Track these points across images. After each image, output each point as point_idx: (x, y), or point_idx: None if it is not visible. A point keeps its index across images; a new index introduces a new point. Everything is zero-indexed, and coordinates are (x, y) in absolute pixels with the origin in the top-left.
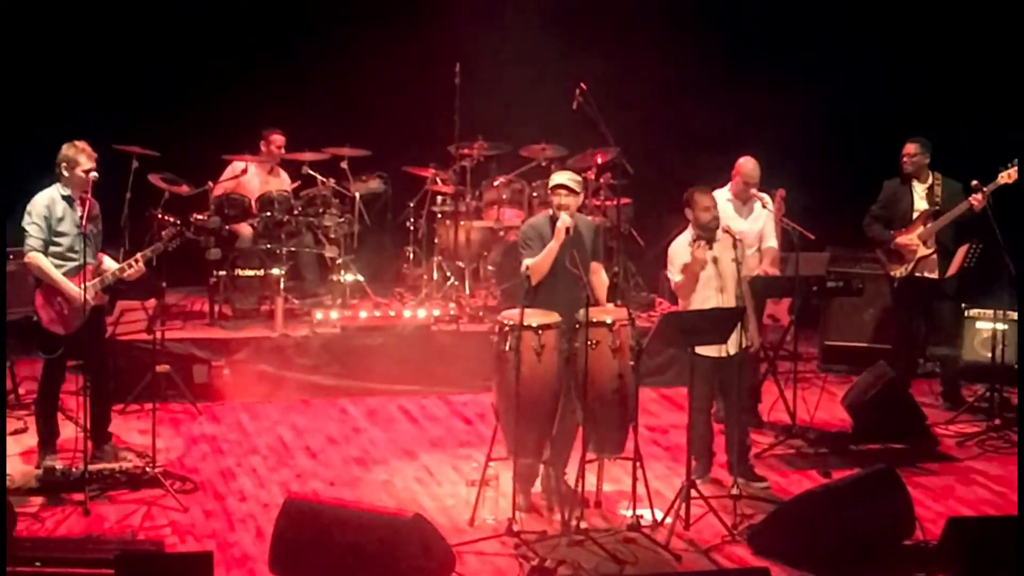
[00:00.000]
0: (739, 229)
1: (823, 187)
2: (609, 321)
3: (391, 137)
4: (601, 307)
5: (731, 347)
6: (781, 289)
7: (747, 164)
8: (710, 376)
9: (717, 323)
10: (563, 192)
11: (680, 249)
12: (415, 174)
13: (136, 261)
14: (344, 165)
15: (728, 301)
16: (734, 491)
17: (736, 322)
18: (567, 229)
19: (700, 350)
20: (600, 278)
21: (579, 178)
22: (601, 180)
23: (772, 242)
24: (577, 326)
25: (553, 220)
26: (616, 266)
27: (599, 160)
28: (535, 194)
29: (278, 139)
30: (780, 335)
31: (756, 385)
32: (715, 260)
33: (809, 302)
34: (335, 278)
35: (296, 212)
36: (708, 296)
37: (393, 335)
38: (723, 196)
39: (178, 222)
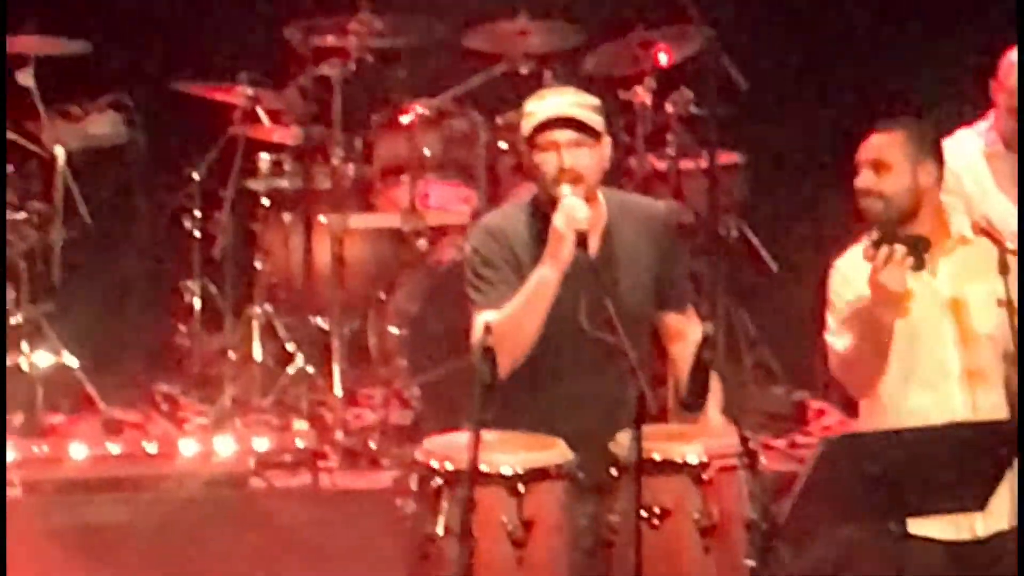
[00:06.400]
0: (1006, 218)
1: None
2: (695, 459)
3: (147, 13)
4: (676, 425)
5: (983, 521)
6: None
7: None
8: None
9: (964, 459)
10: (562, 137)
11: (849, 272)
12: (203, 98)
13: None
14: (25, 80)
15: (979, 402)
16: None
17: (1009, 459)
18: (580, 235)
19: (920, 527)
20: (684, 348)
21: (596, 102)
22: (669, 107)
23: None
24: (614, 470)
25: (541, 212)
26: (709, 320)
27: (662, 58)
28: (503, 144)
29: None
30: None
31: None
32: (938, 301)
33: None
34: (7, 361)
35: None
36: (921, 389)
37: (154, 505)
38: (974, 144)
39: None
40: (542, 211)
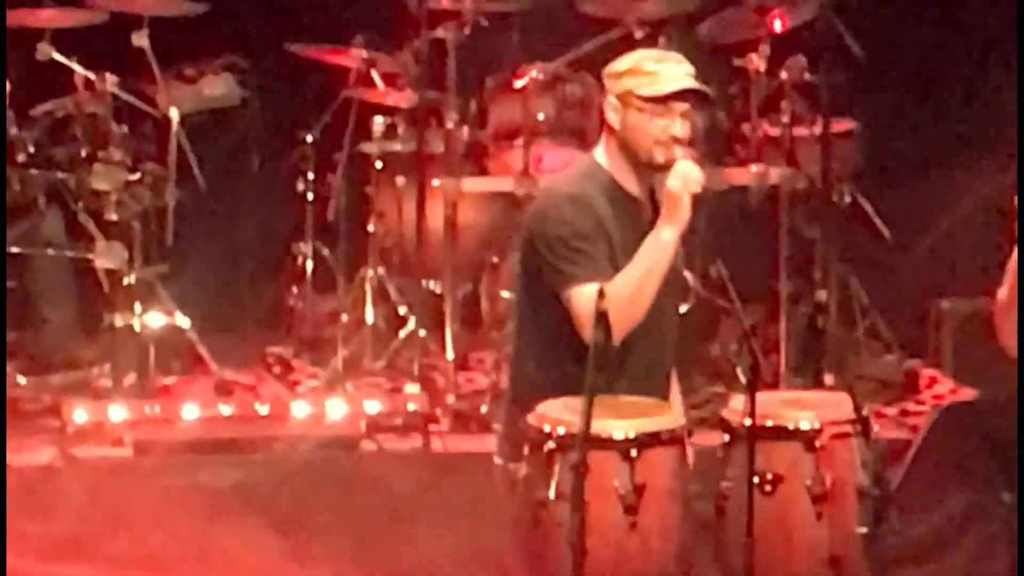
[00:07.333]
0: None
1: None
2: (807, 426)
3: None
4: (789, 391)
5: None
6: None
7: None
8: None
9: None
10: (682, 107)
11: None
12: (317, 61)
13: None
14: (140, 41)
15: None
16: None
17: None
18: (693, 198)
19: None
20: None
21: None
22: (783, 74)
23: None
24: (726, 436)
25: (611, 177)
26: (822, 287)
27: (776, 24)
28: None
29: None
30: None
31: None
32: None
33: None
34: (120, 322)
35: (23, 157)
36: None
37: (265, 467)
38: None
39: None
40: (610, 176)
